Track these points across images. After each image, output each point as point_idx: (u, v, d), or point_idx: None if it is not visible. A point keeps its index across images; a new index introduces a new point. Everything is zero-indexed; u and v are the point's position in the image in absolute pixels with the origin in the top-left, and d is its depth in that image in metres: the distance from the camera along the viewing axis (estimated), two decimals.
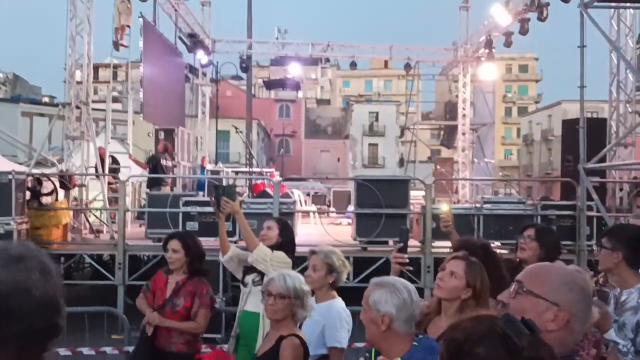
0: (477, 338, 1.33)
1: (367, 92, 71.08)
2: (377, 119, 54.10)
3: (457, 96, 20.77)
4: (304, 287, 3.23)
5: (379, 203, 9.05)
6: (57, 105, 37.46)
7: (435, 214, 9.24)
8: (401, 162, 42.93)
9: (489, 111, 26.72)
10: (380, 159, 52.98)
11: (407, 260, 3.43)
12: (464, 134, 19.60)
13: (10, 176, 8.47)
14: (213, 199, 4.45)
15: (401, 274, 3.25)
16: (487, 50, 16.65)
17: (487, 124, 27.35)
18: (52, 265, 1.27)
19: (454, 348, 1.37)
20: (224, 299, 8.03)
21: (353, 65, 19.43)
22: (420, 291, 3.40)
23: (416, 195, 11.53)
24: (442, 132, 33.21)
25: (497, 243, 8.47)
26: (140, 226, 11.53)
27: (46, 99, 57.10)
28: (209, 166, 16.48)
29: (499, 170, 44.65)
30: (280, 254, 4.23)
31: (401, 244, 3.45)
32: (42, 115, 33.30)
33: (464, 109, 19.50)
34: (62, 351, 5.56)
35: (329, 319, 3.59)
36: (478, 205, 9.86)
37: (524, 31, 14.60)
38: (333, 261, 3.74)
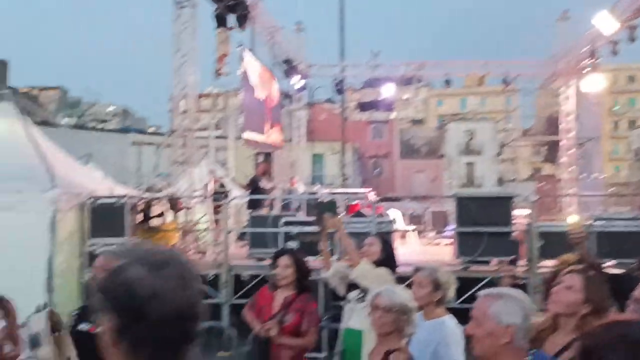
0: (607, 344, 1.27)
1: (462, 110, 69.69)
2: (473, 137, 52.80)
3: (558, 110, 19.91)
4: (410, 303, 3.19)
5: (481, 221, 8.79)
6: (162, 134, 39.86)
7: (543, 232, 8.86)
8: (500, 181, 41.53)
9: (594, 125, 25.34)
10: (477, 179, 51.54)
11: (519, 274, 3.31)
12: (569, 149, 18.69)
13: (124, 199, 9.04)
14: (315, 216, 4.51)
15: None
16: (591, 61, 15.86)
17: (593, 139, 25.93)
18: (194, 274, 1.29)
19: (584, 354, 1.31)
20: (325, 317, 8.07)
21: (447, 83, 19.17)
22: None
23: (517, 215, 11.09)
24: (543, 148, 31.85)
25: (612, 262, 7.96)
26: (241, 247, 11.88)
27: (152, 129, 60.80)
28: (302, 187, 16.75)
29: (608, 187, 42.11)
30: (383, 270, 4.22)
31: (512, 257, 3.33)
32: (149, 144, 35.60)
33: (567, 122, 18.63)
34: None
35: (442, 336, 3.51)
36: (588, 222, 9.31)
37: (632, 38, 13.80)
38: (439, 277, 3.68)
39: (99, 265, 3.80)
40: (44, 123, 15.19)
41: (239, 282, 10.18)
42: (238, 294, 9.20)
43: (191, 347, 1.26)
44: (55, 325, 3.60)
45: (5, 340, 4.15)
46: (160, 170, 15.64)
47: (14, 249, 8.42)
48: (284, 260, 4.32)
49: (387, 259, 4.37)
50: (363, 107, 41.16)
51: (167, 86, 11.80)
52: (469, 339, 2.41)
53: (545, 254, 8.07)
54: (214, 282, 10.66)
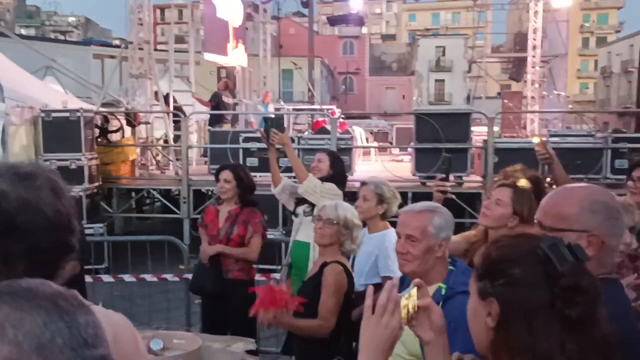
0: (515, 258, 1.26)
1: (434, 25, 68.67)
2: (444, 54, 52.32)
3: (527, 27, 19.71)
4: (355, 219, 3.22)
5: (439, 138, 8.86)
6: (116, 47, 38.50)
7: (498, 148, 8.98)
8: (469, 99, 41.69)
9: (562, 42, 25.27)
10: (447, 96, 51.56)
11: (449, 189, 3.36)
12: (533, 66, 18.68)
13: (78, 114, 8.81)
14: (262, 130, 4.47)
15: (446, 204, 3.19)
16: None
17: (559, 56, 25.94)
18: (64, 185, 1.24)
19: (490, 264, 1.30)
20: (283, 232, 8.21)
21: None
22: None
23: (481, 132, 11.20)
24: (511, 65, 31.82)
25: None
26: (205, 163, 11.84)
27: (117, 42, 58.64)
28: (271, 105, 16.55)
29: (572, 104, 42.59)
30: (331, 185, 4.24)
31: (443, 174, 3.38)
32: (112, 57, 34.29)
33: (534, 39, 18.51)
34: (127, 277, 5.90)
35: (382, 249, 3.59)
36: (545, 139, 9.46)
37: None
38: (383, 191, 3.72)
39: None
40: None
41: (201, 198, 10.24)
42: (198, 209, 9.26)
43: (68, 259, 1.21)
44: None
45: None
46: (123, 85, 15.19)
47: None
48: (225, 174, 4.40)
49: (335, 175, 4.37)
50: (332, 21, 40.15)
51: None
52: None
53: (500, 170, 8.23)
54: (176, 198, 10.72)
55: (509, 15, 34.01)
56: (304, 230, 4.25)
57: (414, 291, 1.44)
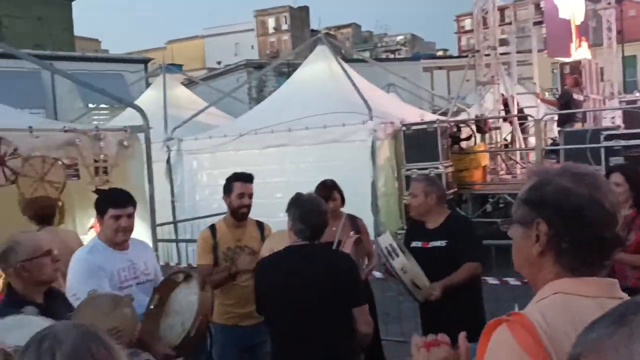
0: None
1: None
2: None
3: None
4: None
5: None
6: (452, 57, 39.63)
7: None
8: None
9: None
10: None
11: None
12: None
13: (435, 125, 9.34)
14: None
15: None
16: None
17: None
18: (607, 184, 1.40)
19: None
20: None
21: None
22: None
23: None
24: None
25: None
26: (553, 165, 11.34)
27: (440, 53, 60.84)
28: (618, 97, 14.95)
29: None
30: None
31: None
32: (439, 68, 35.75)
33: None
34: (490, 279, 5.99)
35: None
36: None
37: None
38: None
39: (410, 192, 4.16)
40: (346, 60, 16.45)
41: None
42: None
43: (618, 251, 1.41)
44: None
45: (361, 254, 4.76)
46: (452, 93, 15.67)
47: (342, 176, 9.50)
48: (615, 177, 4.08)
49: None
50: None
51: (451, 7, 11.52)
52: None
53: None
54: None
55: None
56: None
57: None
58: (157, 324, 3.16)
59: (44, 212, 4.93)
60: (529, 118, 10.76)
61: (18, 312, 2.27)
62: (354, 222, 4.81)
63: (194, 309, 3.06)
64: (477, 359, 1.32)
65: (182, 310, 3.12)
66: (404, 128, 9.56)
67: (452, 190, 9.60)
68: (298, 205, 3.02)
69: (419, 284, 3.71)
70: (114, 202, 3.36)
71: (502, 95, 11.67)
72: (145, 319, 3.22)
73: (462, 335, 1.47)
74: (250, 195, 4.07)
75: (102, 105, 18.64)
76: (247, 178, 4.12)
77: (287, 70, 23.52)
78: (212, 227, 4.16)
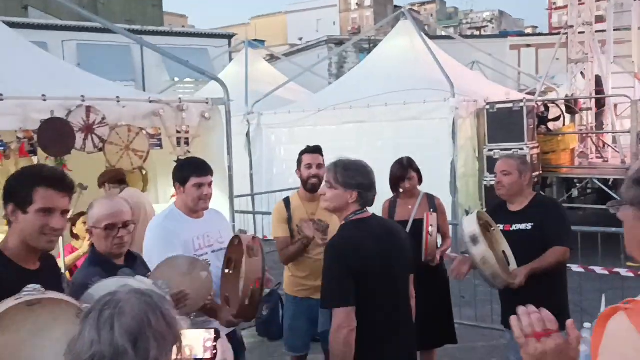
0: None
1: None
2: None
3: None
4: None
5: None
6: (541, 34, 37.75)
7: None
8: None
9: None
10: None
11: None
12: None
13: (521, 104, 8.93)
14: None
15: None
16: None
17: None
18: None
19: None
20: None
21: None
22: None
23: None
24: None
25: None
26: None
27: (529, 30, 58.16)
28: None
29: None
30: None
31: None
32: (528, 46, 34.15)
33: None
34: (575, 267, 5.71)
35: None
36: None
37: None
38: None
39: (500, 169, 3.86)
40: (429, 36, 15.99)
41: None
42: None
43: None
44: (485, 225, 3.84)
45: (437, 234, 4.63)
46: (541, 72, 14.88)
47: (420, 155, 9.30)
48: None
49: None
50: None
51: None
52: None
53: None
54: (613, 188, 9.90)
55: None
56: None
57: None
58: (236, 287, 3.17)
59: (117, 177, 5.51)
60: (624, 99, 10.06)
61: (114, 274, 2.34)
62: (432, 201, 4.70)
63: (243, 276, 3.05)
64: (593, 348, 1.25)
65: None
66: (487, 106, 9.21)
67: (536, 173, 9.20)
68: (363, 174, 2.88)
69: (500, 274, 3.52)
70: (197, 170, 3.38)
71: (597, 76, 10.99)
72: (224, 282, 3.27)
73: (570, 323, 1.35)
74: (319, 166, 4.04)
75: (187, 79, 19.17)
76: (314, 149, 4.12)
77: (368, 47, 23.27)
78: (287, 200, 4.16)
